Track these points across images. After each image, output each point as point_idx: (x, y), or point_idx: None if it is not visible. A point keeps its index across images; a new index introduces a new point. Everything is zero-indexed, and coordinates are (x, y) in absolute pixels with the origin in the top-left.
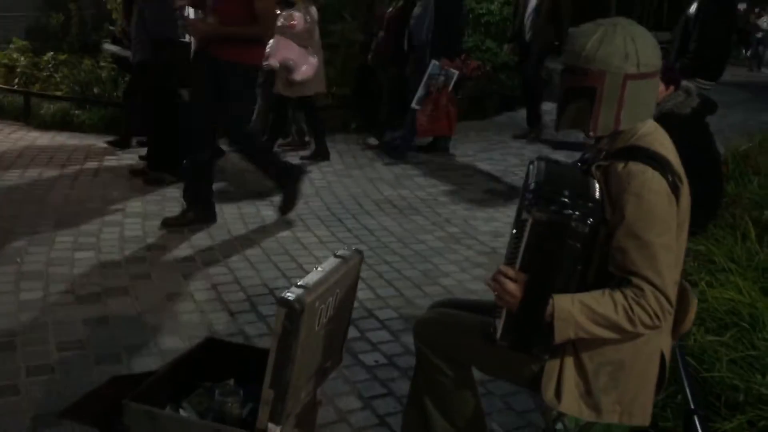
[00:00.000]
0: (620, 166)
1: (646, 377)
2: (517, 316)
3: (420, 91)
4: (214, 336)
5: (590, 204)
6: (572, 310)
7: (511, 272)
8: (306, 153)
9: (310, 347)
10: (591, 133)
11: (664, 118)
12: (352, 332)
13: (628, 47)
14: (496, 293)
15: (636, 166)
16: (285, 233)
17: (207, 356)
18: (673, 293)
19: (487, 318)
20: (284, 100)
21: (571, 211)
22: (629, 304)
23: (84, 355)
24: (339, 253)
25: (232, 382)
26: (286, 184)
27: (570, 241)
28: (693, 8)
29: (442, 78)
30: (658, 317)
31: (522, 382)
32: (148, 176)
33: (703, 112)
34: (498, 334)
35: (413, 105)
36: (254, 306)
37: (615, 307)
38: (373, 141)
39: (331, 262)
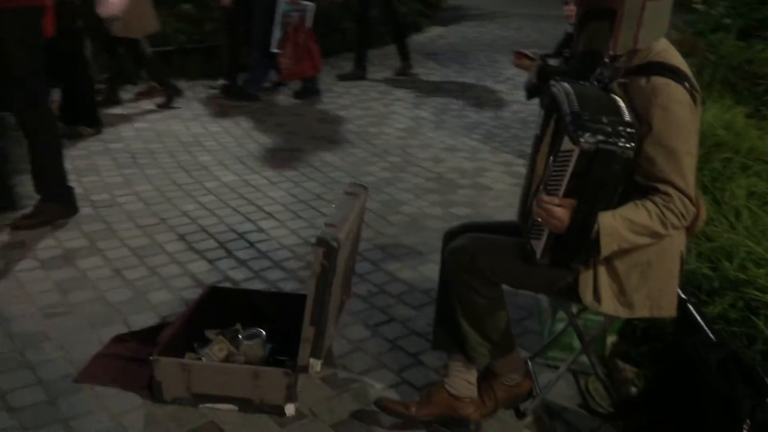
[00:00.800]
0: (642, 81)
1: (670, 273)
2: (561, 237)
3: (276, 32)
4: (216, 285)
5: (630, 129)
6: (615, 225)
7: (556, 200)
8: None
9: (338, 283)
10: (611, 52)
11: None
12: None
13: None
14: (540, 219)
15: (659, 80)
16: (231, 177)
17: (210, 304)
18: (694, 194)
19: (516, 239)
20: (114, 40)
21: (616, 139)
22: (661, 210)
23: (75, 319)
24: (348, 189)
25: (239, 326)
26: (47, 200)
27: (617, 166)
28: None
29: (296, 14)
30: (684, 218)
31: (557, 292)
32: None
33: None
34: (538, 254)
35: (271, 48)
36: (230, 252)
37: (649, 215)
38: (219, 84)
39: (344, 199)
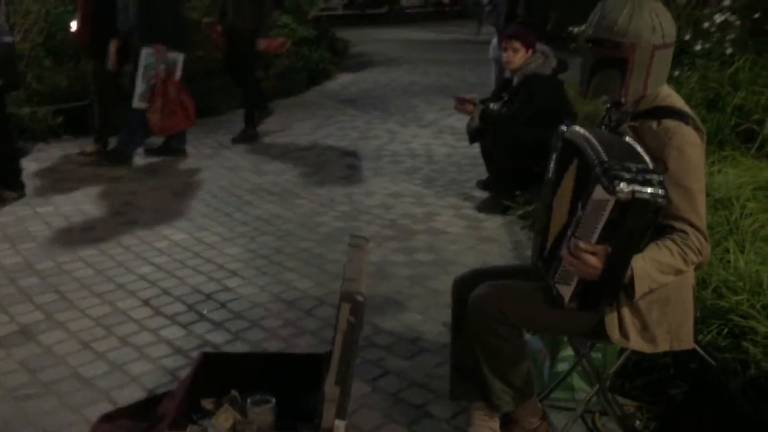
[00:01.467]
0: (653, 124)
1: (687, 307)
2: (590, 282)
3: (139, 87)
4: (207, 351)
5: (658, 176)
6: (646, 268)
7: (590, 247)
8: None
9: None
10: (622, 99)
11: (530, 79)
12: (317, 323)
13: (654, 21)
14: (572, 267)
15: (671, 123)
16: (181, 236)
17: (203, 372)
18: (706, 231)
19: (535, 284)
20: None
21: (648, 187)
22: (681, 248)
23: (52, 400)
24: (352, 242)
25: (236, 393)
26: None
27: (651, 214)
28: None
29: (163, 66)
30: (701, 253)
31: (582, 333)
32: None
33: (558, 71)
34: (566, 300)
35: (134, 104)
36: (202, 314)
37: (672, 254)
38: (91, 147)
39: (352, 252)
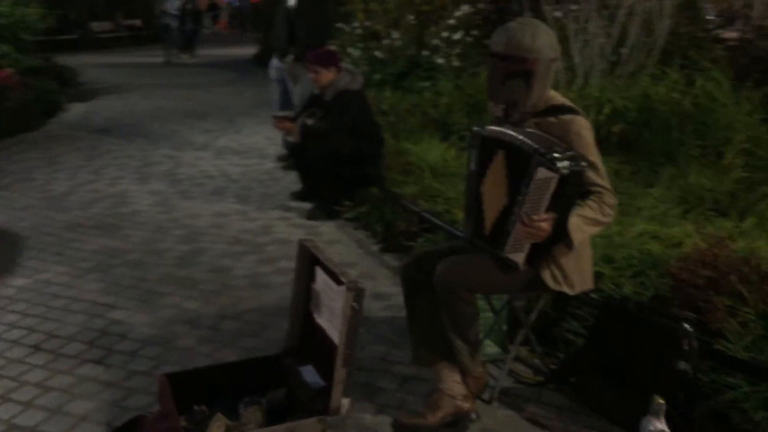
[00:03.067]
0: (552, 119)
1: (588, 257)
2: (538, 244)
3: None
4: (166, 372)
5: (574, 152)
6: (578, 223)
7: (542, 217)
8: None
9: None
10: (528, 104)
11: (342, 94)
12: (228, 335)
13: (550, 39)
14: (528, 235)
15: (567, 116)
16: (23, 281)
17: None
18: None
19: (480, 255)
20: None
21: (576, 162)
22: (599, 205)
23: None
24: (304, 245)
25: (204, 408)
26: None
27: (581, 181)
28: (292, 1)
29: None
30: (613, 207)
31: (524, 288)
32: None
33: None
34: (521, 264)
35: None
36: (109, 348)
37: (594, 210)
38: None
39: (316, 251)
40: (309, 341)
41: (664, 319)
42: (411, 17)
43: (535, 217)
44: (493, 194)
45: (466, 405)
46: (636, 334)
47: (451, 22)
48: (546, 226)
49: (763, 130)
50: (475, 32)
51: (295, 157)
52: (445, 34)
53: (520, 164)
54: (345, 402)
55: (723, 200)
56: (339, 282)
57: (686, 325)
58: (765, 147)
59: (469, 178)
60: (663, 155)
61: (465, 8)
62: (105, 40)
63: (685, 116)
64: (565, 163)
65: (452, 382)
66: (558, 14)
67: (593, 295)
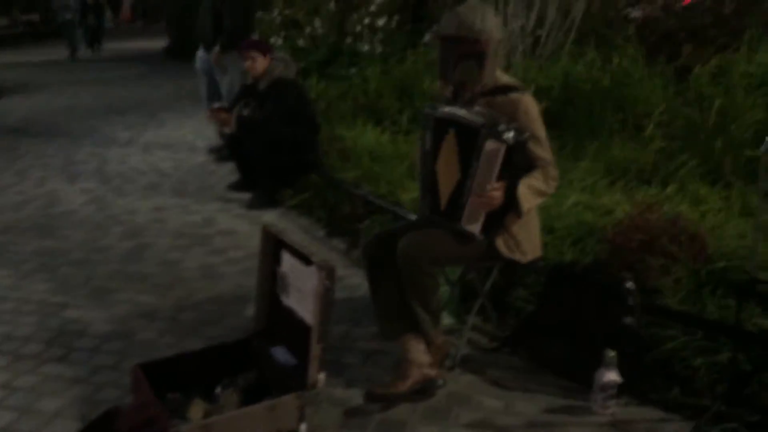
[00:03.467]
0: (500, 98)
1: (536, 226)
2: (492, 213)
3: None
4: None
5: (516, 125)
6: (525, 192)
7: (494, 186)
8: None
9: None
10: (480, 83)
11: (278, 82)
12: (189, 326)
13: (497, 21)
14: (481, 205)
15: (516, 95)
16: None
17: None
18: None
19: (439, 230)
20: None
21: (520, 133)
22: (544, 177)
23: None
24: (269, 230)
25: (179, 395)
26: None
27: (526, 151)
28: None
29: None
30: (556, 179)
31: (481, 258)
32: None
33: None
34: (478, 234)
35: None
36: (69, 347)
37: (539, 181)
38: None
39: (281, 234)
40: (277, 323)
41: (608, 279)
42: (331, 4)
43: (488, 187)
44: (447, 171)
45: (433, 372)
46: (584, 294)
47: (373, 8)
48: (498, 194)
49: (677, 102)
50: (396, 17)
51: (232, 148)
52: (367, 20)
53: (470, 140)
54: (321, 377)
55: (646, 170)
56: (308, 263)
57: (629, 283)
58: (681, 118)
59: (423, 157)
60: (587, 130)
61: None
62: (1, 37)
63: (604, 93)
64: (511, 135)
65: (418, 352)
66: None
67: (541, 263)
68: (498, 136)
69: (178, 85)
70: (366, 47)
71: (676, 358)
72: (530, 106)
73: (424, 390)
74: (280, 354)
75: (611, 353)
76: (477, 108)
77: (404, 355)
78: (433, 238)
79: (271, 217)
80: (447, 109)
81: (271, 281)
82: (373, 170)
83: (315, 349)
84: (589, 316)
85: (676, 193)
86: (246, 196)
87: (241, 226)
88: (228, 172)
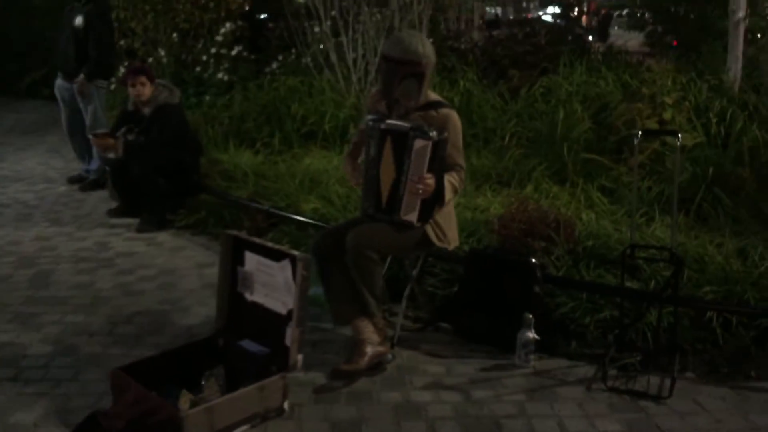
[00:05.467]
0: (432, 112)
1: (455, 219)
2: (427, 201)
3: None
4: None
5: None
6: (448, 185)
7: (427, 176)
8: None
9: None
10: (418, 100)
11: (163, 108)
12: (130, 339)
13: (431, 47)
14: (419, 193)
15: (444, 111)
16: None
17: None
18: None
19: (379, 223)
20: None
21: (440, 133)
22: (459, 177)
23: None
24: (226, 238)
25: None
26: None
27: (446, 146)
28: (79, 21)
29: None
30: (464, 181)
31: (416, 247)
32: None
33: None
34: (416, 221)
35: None
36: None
37: (455, 180)
38: None
39: (240, 238)
40: (239, 319)
41: (518, 258)
42: (174, 35)
43: (423, 177)
44: (387, 173)
45: (383, 349)
46: (499, 271)
47: (219, 38)
48: (432, 182)
49: (523, 116)
50: (240, 47)
51: (116, 173)
52: (213, 50)
53: (402, 143)
54: (300, 358)
55: (504, 174)
56: (279, 258)
57: (534, 260)
58: (529, 130)
59: (369, 164)
60: None
61: (228, 25)
62: None
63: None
64: (434, 133)
65: (369, 333)
66: (317, 30)
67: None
68: (425, 135)
69: (5, 118)
70: (220, 75)
71: (569, 319)
72: (457, 120)
73: (378, 365)
74: (250, 346)
75: (529, 316)
76: (410, 119)
77: (358, 336)
78: (377, 230)
79: (164, 237)
80: (388, 121)
81: (232, 281)
82: (265, 187)
83: (294, 333)
84: (506, 288)
85: (533, 192)
86: (130, 221)
87: (138, 248)
88: (99, 200)
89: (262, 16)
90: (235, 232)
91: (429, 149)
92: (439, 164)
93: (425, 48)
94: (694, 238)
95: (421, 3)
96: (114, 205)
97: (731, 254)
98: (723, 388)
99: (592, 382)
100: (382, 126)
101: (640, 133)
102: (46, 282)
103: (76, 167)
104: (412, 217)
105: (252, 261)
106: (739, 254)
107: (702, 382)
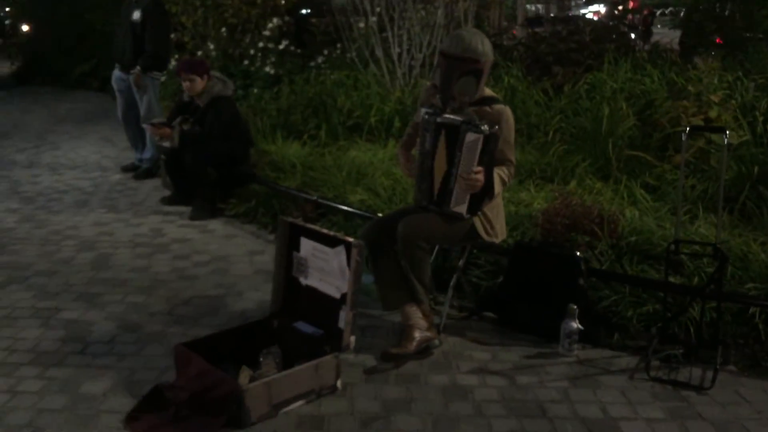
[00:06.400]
0: (487, 108)
1: (503, 213)
2: (475, 195)
3: None
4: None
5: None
6: (497, 179)
7: (477, 169)
8: None
9: None
10: (476, 96)
11: (217, 100)
12: (187, 321)
13: (490, 45)
14: (468, 187)
15: (500, 106)
16: None
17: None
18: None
19: (427, 213)
20: None
21: (492, 127)
22: (508, 172)
23: None
24: (283, 223)
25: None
26: None
27: (498, 141)
28: (137, 15)
29: None
30: (513, 176)
31: (463, 239)
32: None
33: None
34: (465, 213)
35: None
36: (82, 351)
37: (505, 174)
38: None
39: (295, 224)
40: (294, 302)
41: (563, 251)
42: (223, 30)
43: (473, 170)
44: (440, 166)
45: (430, 334)
46: (545, 264)
47: (266, 33)
48: (481, 176)
49: (568, 113)
50: (287, 42)
51: (171, 162)
52: (261, 44)
53: (454, 136)
54: (353, 339)
55: (547, 170)
56: (334, 244)
57: (579, 253)
58: (574, 126)
59: (423, 156)
60: None
61: (275, 21)
62: None
63: None
64: (486, 127)
65: (417, 318)
66: (361, 25)
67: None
68: (476, 129)
69: (50, 108)
70: (267, 68)
71: (611, 312)
72: (510, 117)
73: (426, 349)
74: (305, 327)
75: (573, 306)
76: (464, 113)
77: (407, 322)
78: (427, 220)
79: (216, 226)
80: (444, 114)
81: (287, 266)
82: (313, 178)
83: (348, 316)
84: (551, 280)
85: (576, 188)
86: (182, 209)
87: (192, 235)
88: (152, 188)
89: (304, 12)
90: (291, 219)
91: (480, 143)
92: (490, 158)
93: (485, 46)
94: (738, 236)
95: (467, 0)
96: (167, 193)
97: None
98: (764, 380)
99: (635, 372)
100: (438, 120)
101: (687, 129)
102: (106, 265)
103: (130, 156)
104: (462, 209)
105: (307, 247)
106: None
107: (744, 375)
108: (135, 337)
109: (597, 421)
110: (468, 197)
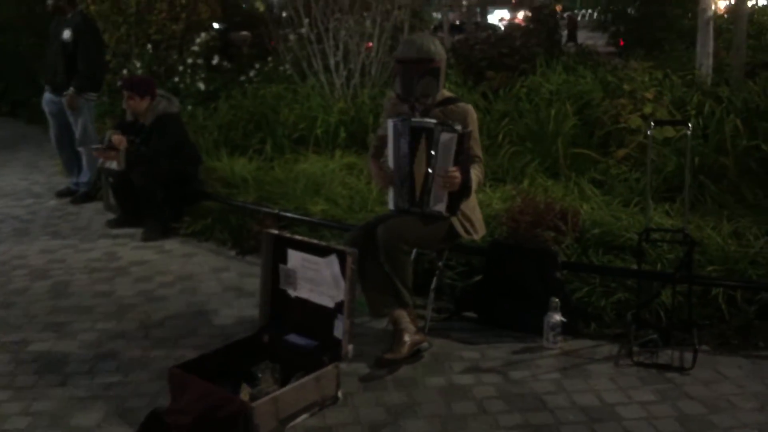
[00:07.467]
0: (451, 107)
1: (479, 210)
2: (455, 192)
3: None
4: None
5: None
6: (473, 177)
7: (453, 168)
8: None
9: None
10: (437, 95)
11: (164, 117)
12: (166, 343)
13: (441, 44)
14: (446, 186)
15: (463, 105)
16: None
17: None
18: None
19: (408, 217)
20: None
21: (464, 127)
22: (481, 169)
23: None
24: (266, 237)
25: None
26: None
27: (470, 140)
28: (67, 35)
29: None
30: (485, 173)
31: (443, 240)
32: None
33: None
34: (444, 212)
35: None
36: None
37: (478, 172)
38: None
39: (279, 236)
40: (283, 316)
41: (540, 246)
42: (149, 46)
43: (449, 170)
44: (419, 169)
45: (420, 337)
46: (523, 259)
47: (195, 48)
48: (458, 174)
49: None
50: (218, 57)
51: (118, 184)
52: (190, 60)
53: (430, 138)
54: (350, 347)
55: (499, 171)
56: (325, 254)
57: (555, 247)
58: (522, 127)
59: (400, 162)
60: None
61: (203, 35)
62: None
63: None
64: (459, 127)
65: (406, 323)
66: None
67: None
68: (450, 129)
69: None
70: (199, 85)
71: (584, 302)
72: (474, 114)
73: (417, 353)
74: (297, 339)
75: (555, 300)
76: (432, 115)
77: (397, 327)
78: (407, 223)
79: (172, 245)
80: (417, 119)
81: (274, 279)
82: (270, 192)
83: (346, 324)
84: (529, 275)
85: (529, 187)
86: (131, 231)
87: (149, 256)
88: (93, 212)
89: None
90: (276, 231)
91: (454, 142)
92: (465, 156)
93: (436, 46)
94: (688, 222)
95: (401, 9)
96: (111, 216)
97: (727, 236)
98: (737, 357)
99: (619, 359)
100: (411, 124)
101: (653, 124)
102: (66, 292)
103: (61, 181)
104: (441, 207)
105: (296, 258)
106: (733, 236)
107: (717, 353)
108: (115, 365)
109: (595, 408)
110: (446, 196)
